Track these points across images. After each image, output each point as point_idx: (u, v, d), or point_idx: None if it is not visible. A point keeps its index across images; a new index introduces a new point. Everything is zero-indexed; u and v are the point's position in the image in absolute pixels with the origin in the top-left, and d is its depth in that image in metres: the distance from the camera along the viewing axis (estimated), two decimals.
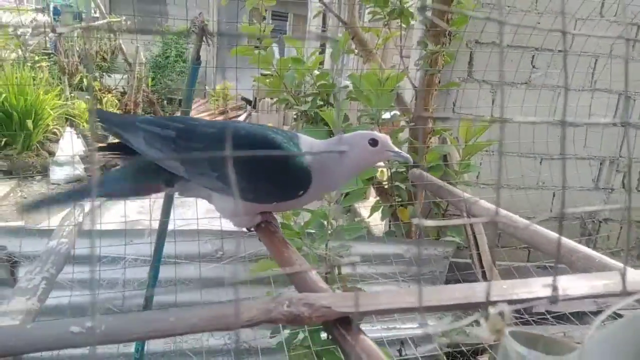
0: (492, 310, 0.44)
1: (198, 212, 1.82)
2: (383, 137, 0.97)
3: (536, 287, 0.67)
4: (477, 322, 0.45)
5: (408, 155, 1.02)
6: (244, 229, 1.07)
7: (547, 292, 0.61)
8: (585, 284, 0.70)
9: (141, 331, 0.54)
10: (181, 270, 2.06)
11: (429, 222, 0.41)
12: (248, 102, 6.90)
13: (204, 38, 1.61)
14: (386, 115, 2.45)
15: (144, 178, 0.95)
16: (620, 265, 0.85)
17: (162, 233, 1.82)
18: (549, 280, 0.61)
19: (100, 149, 1.04)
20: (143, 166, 0.95)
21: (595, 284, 0.70)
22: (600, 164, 3.30)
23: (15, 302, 0.80)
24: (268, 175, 0.88)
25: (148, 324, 0.55)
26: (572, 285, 0.69)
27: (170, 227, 1.85)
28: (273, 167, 0.87)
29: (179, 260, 1.93)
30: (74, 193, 1.00)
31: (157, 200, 1.85)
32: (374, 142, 0.95)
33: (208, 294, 2.15)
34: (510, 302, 0.62)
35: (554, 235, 1.00)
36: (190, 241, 2.02)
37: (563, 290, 0.65)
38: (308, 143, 0.95)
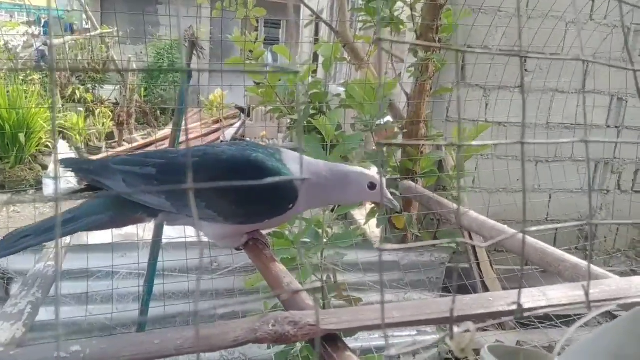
0: (456, 328, 0.43)
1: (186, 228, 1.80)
2: (381, 181, 1.03)
3: (500, 302, 0.67)
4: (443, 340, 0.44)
5: (397, 204, 1.06)
6: (233, 249, 1.07)
7: (512, 306, 0.62)
8: (554, 295, 0.70)
9: (126, 354, 0.53)
10: (176, 283, 2.04)
11: (390, 247, 0.40)
12: (242, 110, 6.90)
13: (194, 51, 1.60)
14: (379, 122, 2.45)
15: (123, 210, 0.92)
16: (607, 273, 0.85)
17: (155, 246, 1.81)
18: (513, 295, 0.62)
19: (79, 191, 1.03)
20: (121, 198, 0.92)
21: (565, 294, 0.70)
22: (595, 165, 3.31)
23: (0, 328, 0.78)
24: (255, 196, 0.88)
25: (133, 347, 0.54)
26: (540, 297, 0.69)
27: (164, 240, 1.83)
28: (259, 187, 0.86)
29: (173, 273, 1.92)
30: (42, 232, 0.93)
31: None
32: (372, 186, 0.98)
33: (203, 306, 2.14)
34: (474, 317, 0.62)
35: (541, 245, 1.00)
36: (184, 253, 2.00)
37: (529, 304, 0.65)
38: (290, 157, 0.95)
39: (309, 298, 0.75)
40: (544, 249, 1.00)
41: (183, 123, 1.65)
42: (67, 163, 0.96)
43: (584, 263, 0.90)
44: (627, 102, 3.31)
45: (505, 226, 1.11)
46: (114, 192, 0.90)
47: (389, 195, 1.04)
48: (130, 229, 2.32)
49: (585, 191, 3.26)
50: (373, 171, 1.04)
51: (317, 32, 6.44)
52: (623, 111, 3.31)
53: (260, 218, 0.93)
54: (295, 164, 0.94)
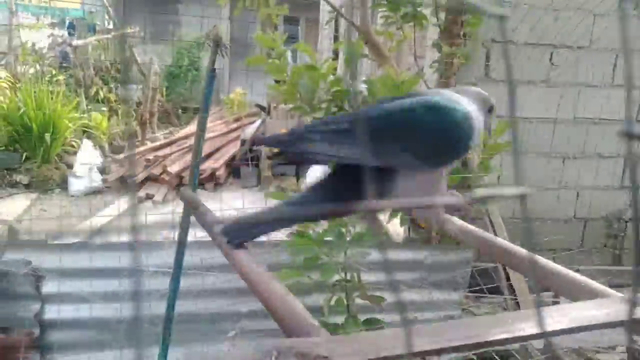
0: None
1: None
2: (494, 105, 1.03)
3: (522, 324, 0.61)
4: None
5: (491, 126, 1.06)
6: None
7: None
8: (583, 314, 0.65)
9: None
10: (203, 281, 2.06)
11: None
12: (262, 108, 6.92)
13: (218, 50, 1.60)
14: None
15: (347, 195, 0.90)
16: (608, 290, 0.77)
17: (181, 244, 1.82)
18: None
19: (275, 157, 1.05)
20: (332, 184, 0.96)
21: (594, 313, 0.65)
22: (624, 161, 3.22)
23: None
24: (445, 135, 0.91)
25: None
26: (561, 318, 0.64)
27: (191, 237, 1.85)
28: (446, 122, 0.90)
29: (198, 272, 1.93)
30: (279, 219, 0.97)
31: (175, 210, 1.85)
32: (491, 109, 1.01)
33: (233, 304, 2.15)
34: (498, 342, 0.58)
35: (552, 265, 0.90)
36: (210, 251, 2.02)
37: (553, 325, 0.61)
38: (462, 98, 0.97)
39: (309, 316, 0.66)
40: (559, 270, 0.90)
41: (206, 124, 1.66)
42: (267, 141, 1.09)
43: (582, 279, 0.82)
44: None
45: (499, 238, 1.02)
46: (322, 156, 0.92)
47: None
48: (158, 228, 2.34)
49: (614, 188, 3.17)
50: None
51: (337, 29, 6.41)
52: None
53: (450, 159, 0.95)
54: (462, 98, 0.96)
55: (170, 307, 1.78)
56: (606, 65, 3.08)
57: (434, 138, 0.90)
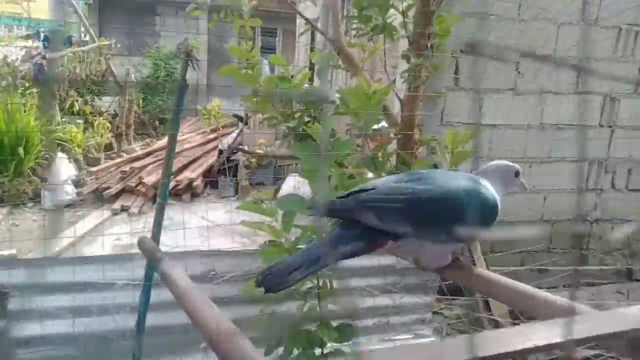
0: None
1: (186, 234, 1.82)
2: (520, 169, 1.17)
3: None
4: None
5: (527, 186, 1.19)
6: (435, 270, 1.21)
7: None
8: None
9: None
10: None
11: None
12: (240, 119, 6.93)
13: (189, 62, 1.63)
14: (375, 127, 2.47)
15: (375, 237, 1.07)
16: (587, 308, 0.80)
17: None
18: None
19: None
20: (373, 229, 1.07)
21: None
22: (589, 165, 3.33)
23: None
24: (479, 217, 1.06)
25: None
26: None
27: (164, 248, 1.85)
28: (482, 207, 1.05)
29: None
30: (313, 263, 1.01)
31: (146, 224, 1.86)
32: (517, 174, 1.15)
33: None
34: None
35: (520, 285, 1.00)
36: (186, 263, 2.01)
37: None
38: (483, 181, 1.13)
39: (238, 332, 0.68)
40: (514, 285, 0.99)
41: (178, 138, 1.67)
42: (319, 209, 1.11)
43: (556, 299, 0.87)
44: (619, 101, 3.34)
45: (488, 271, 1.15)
46: (374, 223, 1.05)
47: (523, 180, 1.17)
48: (131, 240, 2.33)
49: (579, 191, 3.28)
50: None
51: (313, 40, 6.49)
52: (616, 110, 3.34)
53: (477, 235, 1.12)
54: (484, 182, 1.11)
55: (141, 320, 1.77)
56: (569, 73, 3.20)
57: (472, 220, 1.05)
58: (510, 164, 1.15)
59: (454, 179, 1.10)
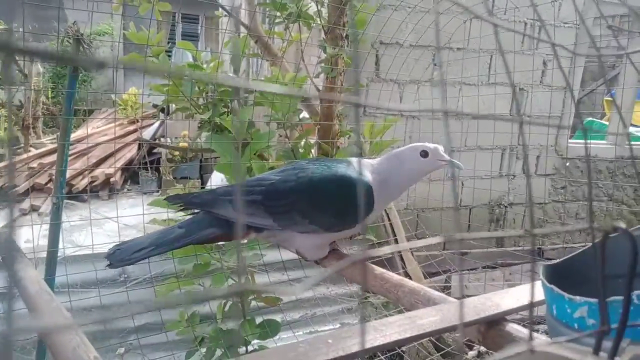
0: None
1: (93, 236, 1.68)
2: (433, 147, 1.06)
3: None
4: None
5: (460, 163, 1.09)
6: (315, 261, 1.18)
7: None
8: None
9: None
10: (80, 299, 1.90)
11: None
12: (162, 109, 6.60)
13: (79, 48, 1.48)
14: (295, 118, 2.43)
15: (233, 225, 1.03)
16: (445, 296, 0.88)
17: (51, 261, 1.66)
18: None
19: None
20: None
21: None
22: (502, 153, 3.52)
23: None
24: (347, 206, 1.00)
25: None
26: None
27: (61, 254, 1.69)
28: (348, 196, 0.99)
29: (74, 290, 1.78)
30: (161, 245, 1.02)
31: (42, 225, 1.69)
32: (424, 154, 1.05)
33: (119, 319, 2.01)
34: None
35: (381, 270, 1.06)
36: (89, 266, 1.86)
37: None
38: (362, 164, 1.07)
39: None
40: (383, 274, 1.02)
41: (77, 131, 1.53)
42: (174, 200, 1.07)
43: (420, 287, 0.93)
44: (528, 92, 3.54)
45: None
46: (229, 215, 1.01)
47: (447, 157, 1.07)
48: (24, 245, 2.13)
49: (494, 177, 3.46)
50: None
51: (238, 28, 6.30)
52: (525, 101, 3.54)
53: (350, 224, 1.04)
54: (366, 170, 1.04)
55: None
56: (482, 65, 3.34)
57: (338, 209, 1.01)
58: (419, 144, 1.09)
59: (329, 169, 1.04)
